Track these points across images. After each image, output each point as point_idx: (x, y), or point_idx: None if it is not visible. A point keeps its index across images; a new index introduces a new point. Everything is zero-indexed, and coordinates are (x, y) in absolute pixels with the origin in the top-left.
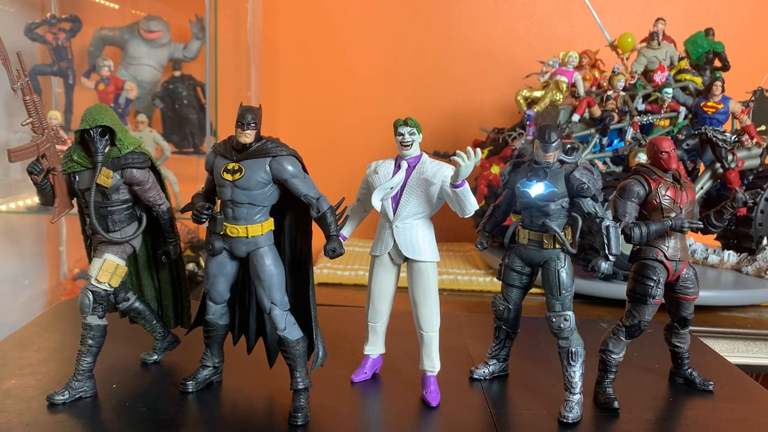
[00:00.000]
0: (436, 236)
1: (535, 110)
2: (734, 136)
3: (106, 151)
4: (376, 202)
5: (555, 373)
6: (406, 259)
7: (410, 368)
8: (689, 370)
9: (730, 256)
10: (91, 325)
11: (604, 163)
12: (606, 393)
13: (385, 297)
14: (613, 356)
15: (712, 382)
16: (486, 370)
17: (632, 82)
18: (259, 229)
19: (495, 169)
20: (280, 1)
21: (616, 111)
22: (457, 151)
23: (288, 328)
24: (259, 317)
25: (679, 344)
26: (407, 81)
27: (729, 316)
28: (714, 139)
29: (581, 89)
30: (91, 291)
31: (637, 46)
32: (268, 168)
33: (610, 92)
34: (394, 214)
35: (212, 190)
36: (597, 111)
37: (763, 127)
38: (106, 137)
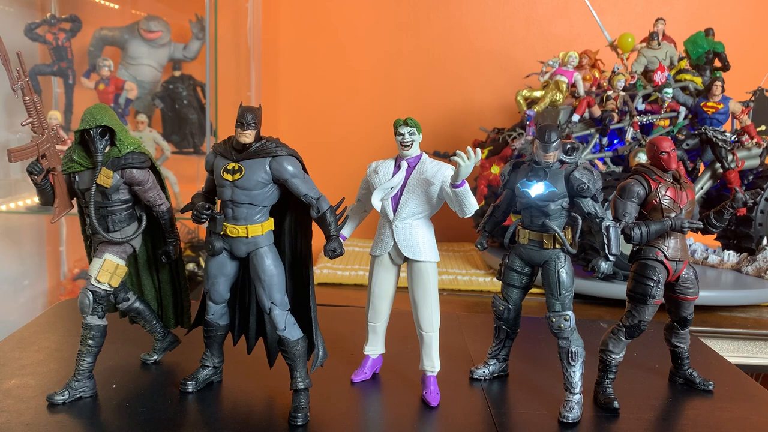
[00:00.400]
0: (436, 236)
1: (535, 110)
2: (734, 136)
3: (106, 151)
4: (376, 202)
5: (555, 373)
6: (406, 259)
7: (410, 368)
8: (689, 370)
9: (730, 256)
10: (91, 325)
11: (604, 163)
12: (606, 393)
13: (385, 297)
14: (613, 356)
15: (712, 382)
16: (486, 370)
17: (632, 82)
18: (259, 229)
19: (495, 169)
20: (280, 1)
21: (616, 111)
22: (457, 151)
23: (288, 328)
24: (259, 317)
25: (679, 344)
26: (407, 81)
27: (729, 316)
28: (714, 139)
29: (581, 89)
30: (91, 291)
31: (637, 46)
32: (268, 168)
33: (610, 92)
34: (394, 214)
35: (212, 190)
36: (597, 111)
37: (763, 127)
38: (106, 137)
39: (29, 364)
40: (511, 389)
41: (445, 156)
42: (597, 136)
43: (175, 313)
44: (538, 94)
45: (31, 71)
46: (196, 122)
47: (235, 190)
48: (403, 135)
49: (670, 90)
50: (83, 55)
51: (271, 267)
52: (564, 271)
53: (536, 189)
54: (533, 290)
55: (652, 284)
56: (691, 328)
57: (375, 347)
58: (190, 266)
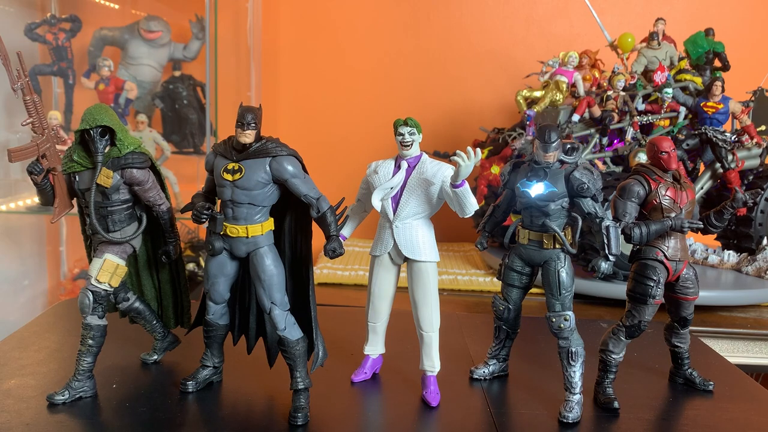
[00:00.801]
0: (436, 236)
1: (535, 110)
2: (734, 136)
3: (106, 151)
4: (376, 202)
5: (555, 373)
6: (406, 259)
7: (410, 368)
8: (689, 370)
9: (730, 256)
10: (91, 325)
11: (604, 163)
12: (606, 393)
13: (385, 297)
14: (613, 356)
15: (712, 382)
16: (486, 370)
17: (632, 82)
18: (259, 229)
19: (495, 169)
20: (280, 1)
21: (616, 111)
22: (457, 151)
23: (288, 328)
24: (259, 317)
25: (679, 344)
26: (407, 81)
27: (729, 316)
28: (714, 139)
29: (581, 89)
30: (91, 291)
31: (637, 46)
32: (268, 168)
33: (610, 92)
34: (394, 214)
35: (212, 190)
36: (597, 111)
37: (763, 127)
38: (106, 137)
39: (29, 364)
40: (511, 389)
41: (445, 156)
42: (597, 136)
43: (175, 313)
44: (538, 94)
45: (31, 71)
46: (196, 122)
47: (235, 190)
48: (403, 135)
49: (670, 90)
50: (83, 55)
51: (271, 267)
52: (564, 271)
53: (536, 189)
54: (533, 290)
55: (652, 284)
56: (691, 328)
57: (375, 347)
58: (190, 266)
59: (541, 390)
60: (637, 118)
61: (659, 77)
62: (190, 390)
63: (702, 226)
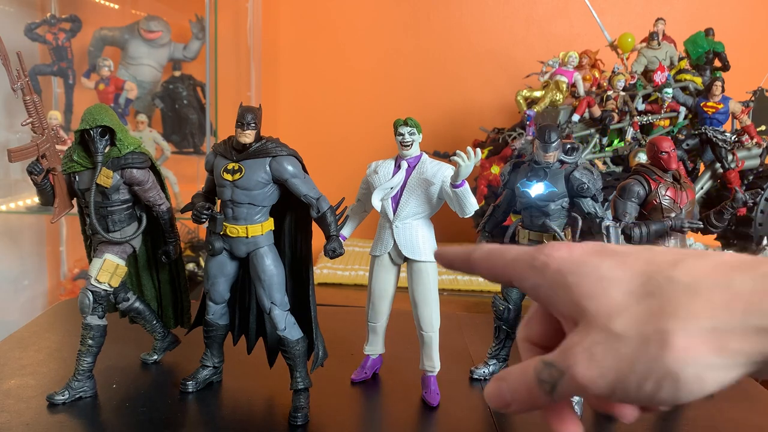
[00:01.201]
0: (436, 236)
1: (535, 110)
2: (734, 136)
3: (106, 151)
4: (376, 202)
5: None
6: (406, 259)
7: (410, 368)
8: None
9: None
10: (91, 325)
11: (604, 163)
12: None
13: (385, 297)
14: None
15: None
16: (486, 370)
17: (632, 82)
18: (259, 229)
19: (495, 169)
20: (280, 1)
21: (616, 111)
22: (457, 151)
23: (288, 328)
24: (259, 317)
25: None
26: (407, 81)
27: None
28: (714, 139)
29: (581, 89)
30: (91, 291)
31: (637, 46)
32: (268, 168)
33: (610, 92)
34: (394, 214)
35: (212, 190)
36: (597, 111)
37: (763, 127)
38: (106, 137)
39: (29, 364)
40: None
41: (445, 156)
42: (597, 136)
43: (175, 313)
44: (538, 94)
45: (31, 71)
46: (196, 122)
47: (235, 190)
48: (403, 135)
49: (670, 90)
50: (83, 55)
51: (271, 267)
52: None
53: (536, 189)
54: None
55: None
56: None
57: (375, 347)
58: (190, 266)
59: None
60: (637, 118)
61: (659, 77)
62: (190, 390)
63: (702, 226)
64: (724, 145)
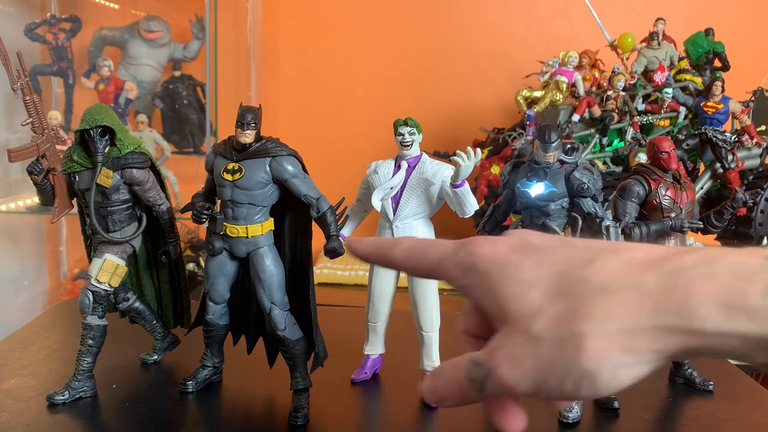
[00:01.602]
0: (436, 236)
1: (535, 110)
2: (734, 136)
3: (106, 151)
4: (376, 202)
5: None
6: None
7: (410, 368)
8: (689, 370)
9: None
10: (91, 325)
11: (604, 163)
12: None
13: (385, 297)
14: None
15: (712, 382)
16: None
17: (632, 82)
18: (259, 229)
19: (495, 169)
20: (280, 1)
21: (616, 111)
22: (457, 151)
23: (288, 328)
24: (259, 317)
25: None
26: (407, 81)
27: None
28: (714, 139)
29: (581, 89)
30: (91, 291)
31: (637, 46)
32: (268, 168)
33: (610, 92)
34: (394, 214)
35: (212, 190)
36: (597, 111)
37: (763, 127)
38: (106, 137)
39: (29, 364)
40: None
41: (445, 156)
42: (597, 136)
43: (175, 313)
44: (538, 94)
45: (31, 71)
46: (196, 122)
47: (235, 190)
48: (403, 135)
49: (670, 90)
50: (83, 55)
51: (271, 267)
52: None
53: (536, 189)
54: None
55: None
56: None
57: (375, 347)
58: (190, 266)
59: None
60: (637, 118)
61: (659, 77)
62: (190, 390)
63: (702, 226)
64: (724, 145)
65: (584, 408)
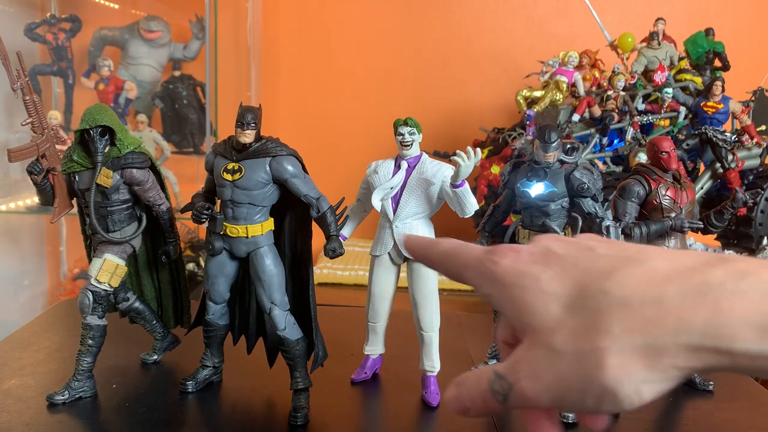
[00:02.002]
0: (436, 236)
1: (535, 110)
2: (734, 136)
3: (106, 151)
4: (376, 202)
5: None
6: (406, 259)
7: (410, 368)
8: None
9: None
10: (91, 325)
11: (604, 163)
12: None
13: (385, 297)
14: None
15: (712, 382)
16: None
17: (632, 82)
18: (259, 229)
19: (495, 169)
20: (280, 1)
21: (616, 111)
22: (457, 151)
23: (288, 328)
24: (259, 317)
25: None
26: (407, 81)
27: None
28: (714, 139)
29: (581, 89)
30: (91, 291)
31: (637, 46)
32: (268, 168)
33: (610, 92)
34: (394, 214)
35: (212, 190)
36: (597, 111)
37: (763, 127)
38: (106, 137)
39: (29, 364)
40: None
41: (445, 156)
42: (597, 136)
43: (175, 313)
44: (538, 94)
45: (31, 71)
46: (196, 122)
47: (235, 190)
48: (403, 135)
49: (670, 90)
50: (83, 55)
51: (271, 267)
52: None
53: (536, 189)
54: None
55: None
56: None
57: (375, 347)
58: (190, 266)
59: None
60: (637, 118)
61: (659, 77)
62: (190, 390)
63: (702, 226)
64: (724, 145)
65: None
